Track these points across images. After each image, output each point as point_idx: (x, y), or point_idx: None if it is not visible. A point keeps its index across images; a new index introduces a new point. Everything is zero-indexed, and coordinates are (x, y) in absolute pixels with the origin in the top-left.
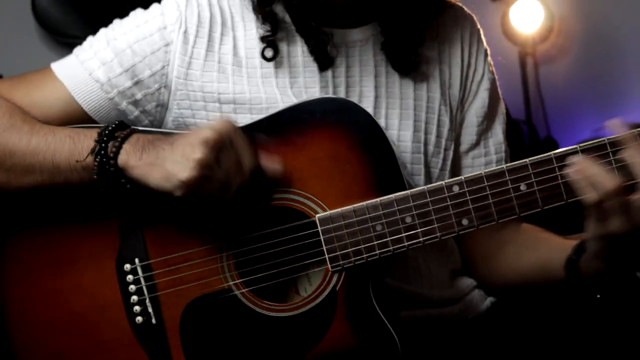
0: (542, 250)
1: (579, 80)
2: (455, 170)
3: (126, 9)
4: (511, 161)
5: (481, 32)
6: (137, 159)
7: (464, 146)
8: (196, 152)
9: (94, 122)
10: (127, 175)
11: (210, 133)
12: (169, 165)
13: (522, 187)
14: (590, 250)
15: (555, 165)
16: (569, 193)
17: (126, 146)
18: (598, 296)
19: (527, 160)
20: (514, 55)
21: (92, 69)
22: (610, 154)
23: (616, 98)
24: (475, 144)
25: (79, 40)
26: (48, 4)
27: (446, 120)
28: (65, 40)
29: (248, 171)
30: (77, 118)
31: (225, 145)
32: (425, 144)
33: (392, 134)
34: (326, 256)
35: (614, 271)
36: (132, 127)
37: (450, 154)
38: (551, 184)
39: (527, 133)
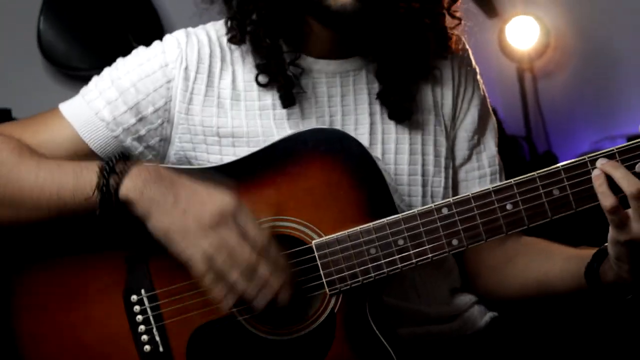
0: (557, 259)
1: (577, 93)
2: (453, 185)
3: (129, 40)
4: (507, 175)
5: (470, 51)
6: (138, 194)
7: (457, 161)
8: (203, 239)
9: (101, 159)
10: (130, 210)
11: (214, 217)
12: (167, 221)
13: (508, 206)
14: (611, 257)
15: (539, 184)
16: (552, 210)
17: (127, 181)
18: (629, 297)
19: (512, 180)
20: (512, 71)
21: (98, 108)
22: (624, 160)
23: (614, 110)
24: (468, 159)
25: (83, 72)
26: (53, 38)
27: (442, 139)
28: (71, 72)
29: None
30: (83, 156)
31: (229, 226)
32: (424, 165)
33: (389, 158)
34: (323, 280)
35: (636, 277)
36: (134, 159)
37: (451, 172)
38: (536, 203)
39: (527, 149)
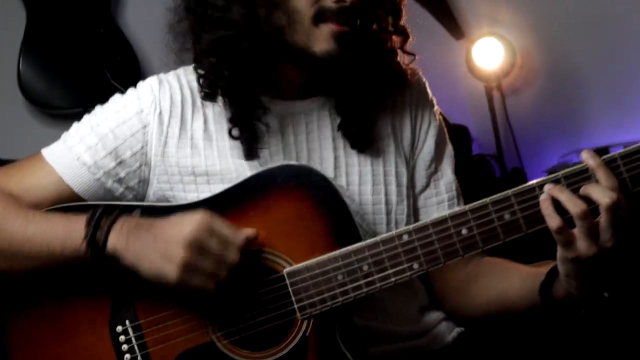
0: (515, 279)
1: (545, 109)
2: (414, 212)
3: (107, 78)
4: (478, 191)
5: (427, 84)
6: (124, 246)
7: (417, 188)
8: (178, 251)
9: (84, 200)
10: (118, 260)
11: (189, 231)
12: (154, 259)
13: (464, 231)
14: (561, 274)
15: (491, 209)
16: (505, 233)
17: (112, 234)
18: (582, 312)
19: (466, 207)
20: (480, 90)
21: (79, 153)
22: (570, 184)
23: (580, 124)
24: (426, 186)
25: (64, 110)
26: (33, 79)
27: (403, 170)
28: (51, 111)
29: (234, 261)
30: (68, 198)
31: (205, 244)
32: (387, 195)
33: (354, 189)
34: (295, 306)
35: (585, 293)
36: (116, 211)
37: (411, 200)
38: (489, 227)
39: (496, 166)
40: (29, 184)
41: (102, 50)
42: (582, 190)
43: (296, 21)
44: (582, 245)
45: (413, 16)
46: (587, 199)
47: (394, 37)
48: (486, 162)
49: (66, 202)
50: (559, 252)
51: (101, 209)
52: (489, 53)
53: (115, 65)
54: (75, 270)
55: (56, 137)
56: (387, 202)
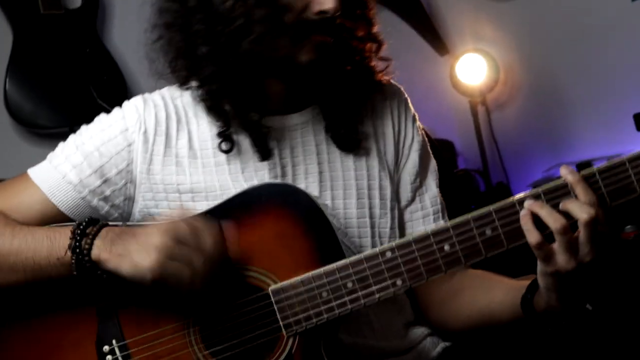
0: (497, 292)
1: (528, 124)
2: (400, 225)
3: (93, 96)
4: (463, 206)
5: (408, 100)
6: (108, 252)
7: (402, 203)
8: (155, 239)
9: (70, 220)
10: (102, 267)
11: (166, 222)
12: (134, 255)
13: (446, 247)
14: (541, 287)
15: (473, 225)
16: (486, 248)
17: (97, 242)
18: (563, 323)
19: (448, 223)
20: (465, 105)
21: (65, 172)
22: (549, 199)
23: (563, 139)
24: (412, 200)
25: (50, 130)
26: (19, 99)
27: (387, 184)
28: (38, 131)
29: (210, 250)
30: (54, 217)
31: (181, 231)
32: (371, 208)
33: (338, 203)
34: (281, 323)
35: (565, 305)
36: (102, 222)
37: (396, 213)
38: (471, 243)
39: (481, 180)
40: (16, 203)
41: (88, 70)
42: (561, 206)
43: (283, 32)
44: (561, 259)
45: (398, 33)
46: (567, 214)
47: (369, 45)
48: (471, 177)
49: (52, 221)
50: (539, 266)
51: (87, 219)
52: (472, 69)
53: (102, 84)
54: (61, 285)
55: (43, 156)
56: (371, 216)
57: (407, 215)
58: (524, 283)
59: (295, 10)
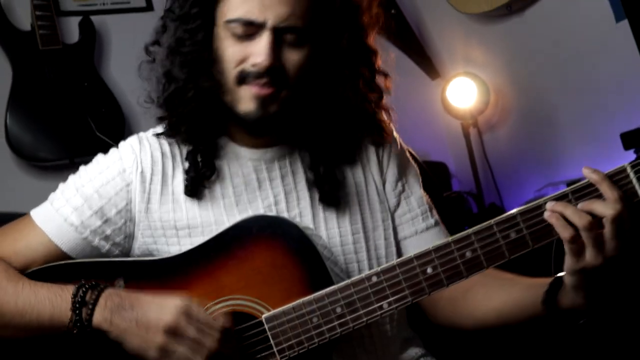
0: (514, 289)
1: (520, 145)
2: (393, 232)
3: (92, 129)
4: (458, 226)
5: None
6: (109, 324)
7: (391, 210)
8: (158, 338)
9: (72, 259)
10: (103, 332)
11: (167, 318)
12: (136, 345)
13: (429, 270)
14: (567, 285)
15: (453, 248)
16: (467, 270)
17: (97, 310)
18: (581, 322)
19: (430, 247)
20: (457, 127)
21: (66, 214)
22: (576, 199)
23: (553, 159)
24: (398, 205)
25: (50, 163)
26: (20, 132)
27: (375, 197)
28: (39, 164)
29: (209, 345)
30: (57, 257)
31: (181, 326)
32: (364, 223)
33: (332, 223)
34: (274, 349)
35: (591, 303)
36: (100, 287)
37: (390, 223)
38: (452, 265)
39: (473, 202)
40: (20, 246)
41: (86, 103)
42: (584, 207)
43: (223, 82)
44: (589, 255)
45: (391, 58)
46: (590, 213)
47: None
48: (463, 199)
49: (55, 260)
50: (568, 263)
51: (86, 285)
52: (463, 92)
53: (100, 116)
54: (65, 339)
55: (44, 189)
56: (364, 230)
57: (396, 220)
58: (542, 281)
59: (234, 62)
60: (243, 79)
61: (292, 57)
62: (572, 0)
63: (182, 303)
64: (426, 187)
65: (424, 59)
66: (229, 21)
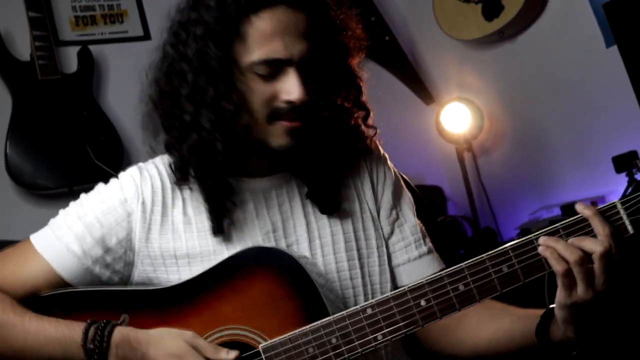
0: (505, 319)
1: (514, 170)
2: (388, 259)
3: (90, 157)
4: (452, 250)
5: (376, 142)
6: None
7: (385, 237)
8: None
9: (73, 286)
10: None
11: (173, 350)
12: None
13: (422, 302)
14: (559, 319)
15: (446, 281)
16: (460, 303)
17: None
18: (574, 354)
19: (424, 280)
20: (452, 151)
21: (68, 242)
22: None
23: (547, 182)
24: (392, 233)
25: (50, 191)
26: (20, 161)
27: (370, 224)
28: (38, 192)
29: None
30: (57, 285)
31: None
32: (359, 250)
33: (328, 250)
34: None
35: (582, 337)
36: (108, 328)
37: (385, 250)
38: (445, 298)
39: (467, 226)
40: (22, 274)
41: (85, 131)
42: (571, 242)
43: (255, 120)
44: (580, 290)
45: (385, 84)
46: (580, 249)
47: (357, 112)
48: (458, 224)
49: (55, 287)
50: (559, 297)
51: (93, 326)
52: (457, 117)
53: (99, 145)
54: None
55: (43, 216)
56: (359, 257)
57: (390, 248)
58: (533, 312)
59: (264, 101)
60: (274, 115)
61: (313, 87)
62: (563, 26)
63: (188, 336)
64: (420, 213)
65: (419, 85)
66: (255, 63)
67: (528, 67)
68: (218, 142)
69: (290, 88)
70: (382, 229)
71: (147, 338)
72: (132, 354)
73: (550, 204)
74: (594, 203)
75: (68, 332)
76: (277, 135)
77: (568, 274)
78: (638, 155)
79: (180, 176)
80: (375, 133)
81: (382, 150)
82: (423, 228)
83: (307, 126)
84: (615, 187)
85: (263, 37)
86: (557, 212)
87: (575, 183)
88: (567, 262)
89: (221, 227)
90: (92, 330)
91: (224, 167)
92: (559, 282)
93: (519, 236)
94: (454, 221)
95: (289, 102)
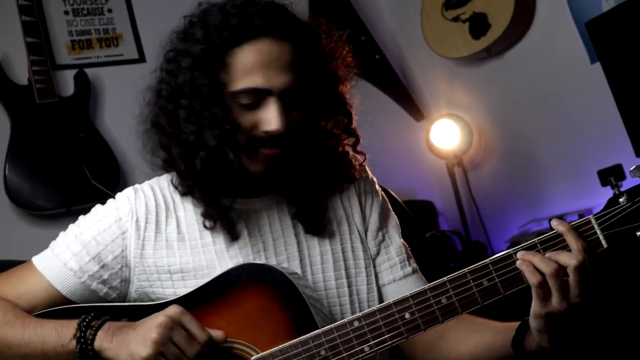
0: (485, 333)
1: (503, 184)
2: (375, 277)
3: (87, 178)
4: (431, 272)
5: (364, 165)
6: (108, 342)
7: (372, 257)
8: (153, 333)
9: (72, 303)
10: (103, 357)
11: (163, 318)
12: (132, 345)
13: (407, 315)
14: (533, 329)
15: (430, 295)
16: (442, 315)
17: (100, 333)
18: None
19: (408, 294)
20: (443, 166)
21: (66, 260)
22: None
23: (536, 196)
24: (378, 254)
25: (48, 211)
26: (18, 182)
27: (358, 244)
28: (37, 213)
29: (200, 344)
30: (57, 301)
31: (175, 326)
32: (347, 269)
33: (317, 268)
34: None
35: (555, 347)
36: (105, 317)
37: (372, 269)
38: (428, 311)
39: (458, 240)
40: (22, 291)
41: (82, 153)
42: (547, 255)
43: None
44: (555, 301)
45: (376, 101)
46: (556, 262)
47: (347, 138)
48: (448, 238)
49: (55, 305)
50: (534, 308)
51: (93, 313)
52: (447, 133)
53: (96, 166)
54: None
55: (42, 236)
56: (347, 276)
57: (377, 268)
58: (511, 325)
59: (245, 129)
60: (254, 144)
61: (296, 116)
62: (548, 43)
63: (176, 308)
64: (409, 229)
65: (409, 102)
66: (236, 92)
67: (515, 84)
68: (229, 152)
69: (269, 118)
70: (369, 249)
71: (138, 322)
72: (124, 329)
73: (540, 216)
74: (580, 215)
75: (66, 321)
76: (255, 162)
77: (542, 285)
78: (623, 169)
79: (187, 189)
80: (365, 159)
81: (370, 174)
82: (408, 249)
83: (287, 153)
84: (602, 200)
85: (245, 69)
86: (546, 225)
87: (563, 196)
88: (542, 274)
89: (234, 232)
90: (90, 315)
91: (232, 179)
92: (534, 293)
93: (508, 249)
94: (444, 235)
95: (267, 132)
